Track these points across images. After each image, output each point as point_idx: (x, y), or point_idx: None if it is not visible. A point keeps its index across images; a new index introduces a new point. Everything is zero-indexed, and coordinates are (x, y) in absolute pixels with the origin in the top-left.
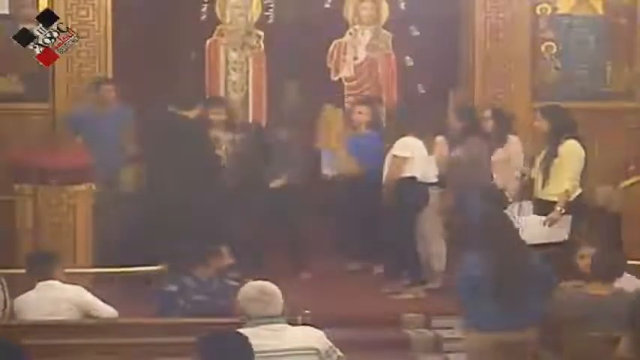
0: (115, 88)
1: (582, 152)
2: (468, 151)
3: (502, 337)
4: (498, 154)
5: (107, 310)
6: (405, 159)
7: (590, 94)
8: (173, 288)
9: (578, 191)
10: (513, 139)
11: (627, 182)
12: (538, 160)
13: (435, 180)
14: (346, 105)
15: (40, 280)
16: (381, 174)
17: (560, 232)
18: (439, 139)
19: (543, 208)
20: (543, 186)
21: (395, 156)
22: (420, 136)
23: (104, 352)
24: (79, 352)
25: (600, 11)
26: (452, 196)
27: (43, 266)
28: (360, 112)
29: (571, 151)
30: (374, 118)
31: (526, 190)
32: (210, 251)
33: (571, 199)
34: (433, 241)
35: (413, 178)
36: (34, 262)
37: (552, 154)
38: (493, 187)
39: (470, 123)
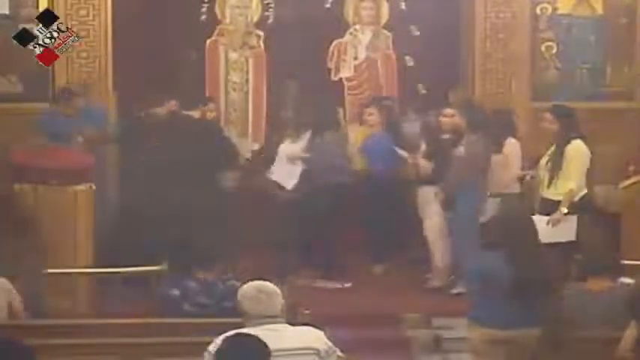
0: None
1: (588, 152)
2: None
3: (510, 335)
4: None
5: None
6: None
7: (590, 94)
8: (176, 292)
9: (584, 191)
10: (512, 141)
11: (627, 182)
12: (544, 160)
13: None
14: (346, 105)
15: None
16: (391, 174)
17: (570, 232)
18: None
19: (549, 207)
20: (549, 185)
21: None
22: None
23: (104, 352)
24: (79, 352)
25: (600, 11)
26: None
27: None
28: (370, 114)
29: (577, 150)
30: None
31: (531, 190)
32: (218, 255)
33: (576, 199)
34: (434, 240)
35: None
36: None
37: (560, 154)
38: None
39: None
